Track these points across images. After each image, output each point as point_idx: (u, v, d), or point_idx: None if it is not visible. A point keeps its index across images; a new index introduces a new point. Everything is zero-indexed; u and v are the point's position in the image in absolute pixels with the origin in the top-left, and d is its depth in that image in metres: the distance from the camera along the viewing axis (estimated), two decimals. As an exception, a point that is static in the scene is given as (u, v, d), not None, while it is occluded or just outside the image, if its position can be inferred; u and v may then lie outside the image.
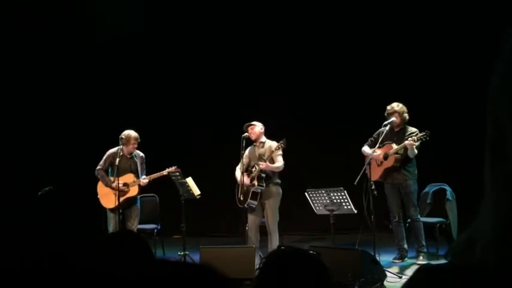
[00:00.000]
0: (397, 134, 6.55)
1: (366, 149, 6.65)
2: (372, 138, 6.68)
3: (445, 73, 8.15)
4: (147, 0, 9.49)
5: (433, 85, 8.24)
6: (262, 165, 6.56)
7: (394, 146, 6.45)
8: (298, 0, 9.12)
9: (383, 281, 5.46)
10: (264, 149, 6.81)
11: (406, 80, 8.25)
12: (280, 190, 6.80)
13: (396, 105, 6.52)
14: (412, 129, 6.54)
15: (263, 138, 6.88)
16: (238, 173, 6.90)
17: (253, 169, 6.70)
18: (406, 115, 6.53)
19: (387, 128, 6.49)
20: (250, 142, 6.91)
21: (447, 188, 7.15)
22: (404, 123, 6.56)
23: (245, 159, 6.88)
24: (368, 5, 8.69)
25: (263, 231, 6.80)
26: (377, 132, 6.67)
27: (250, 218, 6.76)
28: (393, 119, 6.46)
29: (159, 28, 9.30)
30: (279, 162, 6.64)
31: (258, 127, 6.83)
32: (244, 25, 9.05)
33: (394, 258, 6.73)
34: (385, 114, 6.56)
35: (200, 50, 9.31)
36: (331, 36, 8.86)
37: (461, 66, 7.69)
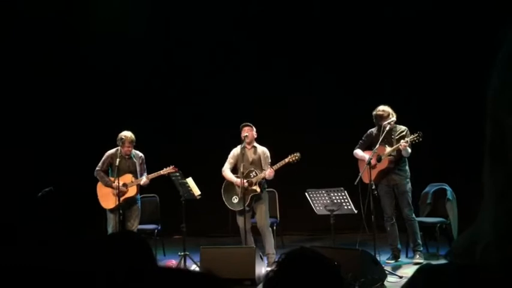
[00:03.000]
0: (387, 135, 6.48)
1: (358, 151, 6.71)
2: (361, 141, 6.73)
3: (445, 73, 8.14)
4: (148, 2, 9.50)
5: (434, 85, 8.24)
6: (270, 173, 6.63)
7: (388, 148, 6.44)
8: (296, 3, 9.12)
9: (383, 281, 5.46)
10: (257, 155, 6.85)
11: (406, 80, 8.25)
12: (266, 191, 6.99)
13: (387, 108, 6.52)
14: (401, 127, 6.53)
15: (254, 143, 6.93)
16: (229, 172, 6.92)
17: (252, 174, 6.72)
18: (394, 117, 6.50)
19: (375, 129, 6.55)
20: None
21: (447, 188, 7.14)
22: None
23: (232, 159, 6.91)
24: (372, 5, 8.69)
25: (256, 231, 6.86)
26: (366, 134, 6.71)
27: (241, 220, 6.78)
28: (393, 119, 6.44)
29: (159, 29, 9.31)
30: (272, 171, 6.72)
31: (254, 129, 6.86)
32: (244, 25, 9.04)
33: (388, 259, 6.70)
34: (379, 117, 6.50)
35: (200, 50, 9.31)
36: (333, 34, 8.85)
37: (462, 66, 7.69)
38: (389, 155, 6.46)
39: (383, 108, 6.53)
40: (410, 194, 6.65)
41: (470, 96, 4.03)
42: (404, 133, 6.44)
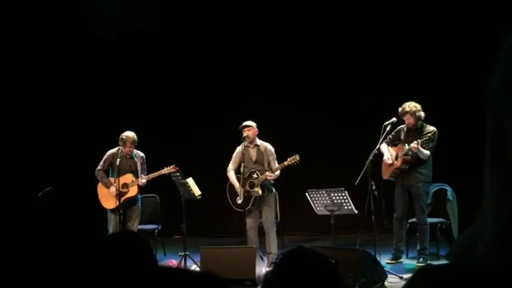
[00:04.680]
0: (414, 133, 6.40)
1: (383, 147, 6.51)
2: (390, 136, 6.55)
3: (447, 72, 8.13)
4: (148, 2, 9.49)
5: (434, 84, 8.23)
6: (270, 176, 6.61)
7: (406, 147, 6.35)
8: (296, 2, 9.12)
9: (384, 281, 5.46)
10: (260, 153, 6.81)
11: (406, 79, 8.23)
12: (275, 191, 6.93)
13: (407, 106, 6.34)
14: (429, 128, 6.38)
15: (257, 141, 6.87)
16: (232, 174, 6.92)
17: (254, 175, 6.72)
18: (421, 114, 6.35)
19: (404, 126, 6.46)
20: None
21: (448, 188, 7.13)
22: (420, 122, 6.40)
23: (235, 158, 6.90)
24: (373, 2, 8.68)
25: (261, 231, 6.85)
26: (395, 130, 6.53)
27: (249, 220, 6.79)
28: (393, 119, 6.40)
29: (159, 28, 9.31)
30: (278, 172, 6.68)
31: (254, 128, 6.81)
32: (244, 25, 9.04)
33: (389, 259, 6.67)
34: (399, 115, 6.44)
35: (200, 50, 9.31)
36: (332, 33, 8.84)
37: (462, 65, 7.68)
38: (406, 155, 6.36)
39: (402, 106, 6.39)
40: (425, 198, 6.54)
41: (471, 95, 4.03)
42: (429, 134, 6.28)
